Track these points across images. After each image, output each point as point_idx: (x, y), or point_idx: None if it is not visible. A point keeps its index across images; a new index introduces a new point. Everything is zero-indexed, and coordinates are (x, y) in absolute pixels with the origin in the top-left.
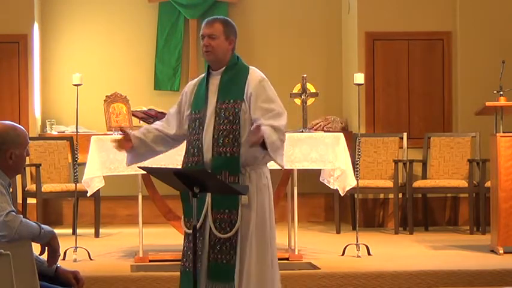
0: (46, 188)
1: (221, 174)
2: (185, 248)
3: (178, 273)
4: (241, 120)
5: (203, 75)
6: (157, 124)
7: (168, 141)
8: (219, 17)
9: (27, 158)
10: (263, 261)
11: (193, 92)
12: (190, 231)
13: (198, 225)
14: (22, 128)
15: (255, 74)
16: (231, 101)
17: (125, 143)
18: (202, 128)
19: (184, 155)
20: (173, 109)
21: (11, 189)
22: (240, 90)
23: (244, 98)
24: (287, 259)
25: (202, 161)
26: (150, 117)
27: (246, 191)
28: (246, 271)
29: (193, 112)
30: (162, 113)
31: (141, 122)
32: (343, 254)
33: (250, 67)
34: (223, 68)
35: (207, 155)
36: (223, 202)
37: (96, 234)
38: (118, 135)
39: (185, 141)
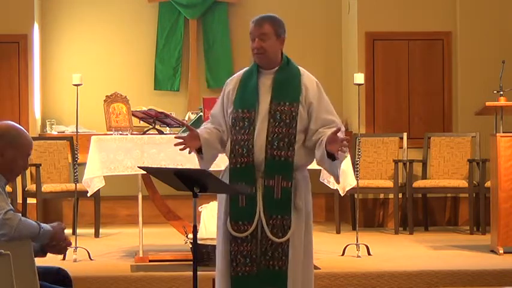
0: (46, 188)
1: (274, 179)
2: (233, 253)
3: (178, 273)
4: (298, 124)
5: (243, 70)
6: (210, 125)
7: (224, 141)
8: (266, 15)
9: None
10: (309, 267)
11: (235, 89)
12: (240, 234)
13: (251, 230)
14: (28, 136)
15: (309, 76)
16: (287, 103)
17: (193, 141)
18: (254, 129)
19: (231, 155)
20: (216, 109)
21: (8, 189)
22: (295, 93)
23: (301, 100)
24: None
25: (252, 163)
26: (150, 117)
27: (246, 191)
28: (294, 277)
29: (239, 110)
30: (162, 113)
31: (141, 122)
32: (343, 254)
33: (300, 68)
34: (277, 68)
35: (259, 156)
36: (275, 207)
37: (96, 234)
38: (182, 133)
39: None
